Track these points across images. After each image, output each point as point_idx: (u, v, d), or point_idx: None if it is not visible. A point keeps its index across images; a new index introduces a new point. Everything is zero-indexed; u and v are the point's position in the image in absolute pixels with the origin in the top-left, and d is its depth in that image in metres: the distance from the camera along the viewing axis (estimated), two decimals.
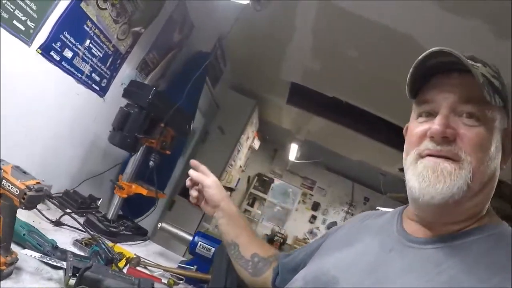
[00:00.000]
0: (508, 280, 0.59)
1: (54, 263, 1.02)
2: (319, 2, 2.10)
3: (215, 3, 1.97)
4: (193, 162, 1.24)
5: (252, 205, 8.47)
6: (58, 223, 1.44)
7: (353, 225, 0.97)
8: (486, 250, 0.66)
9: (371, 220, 0.94)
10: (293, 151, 6.23)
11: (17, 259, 0.92)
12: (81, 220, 1.57)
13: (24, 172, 0.91)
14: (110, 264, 1.23)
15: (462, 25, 1.80)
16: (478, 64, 0.72)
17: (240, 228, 1.17)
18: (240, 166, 6.36)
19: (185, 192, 4.46)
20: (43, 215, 1.42)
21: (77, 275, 0.93)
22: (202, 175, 1.21)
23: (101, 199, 1.82)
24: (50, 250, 1.09)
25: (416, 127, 0.76)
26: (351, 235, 0.90)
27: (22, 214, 1.34)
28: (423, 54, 0.70)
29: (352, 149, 5.38)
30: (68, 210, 1.61)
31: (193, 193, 1.20)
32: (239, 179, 7.24)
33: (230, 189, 6.88)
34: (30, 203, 0.87)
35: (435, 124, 0.69)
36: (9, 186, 0.86)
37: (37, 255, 1.01)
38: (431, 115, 0.74)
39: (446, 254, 0.68)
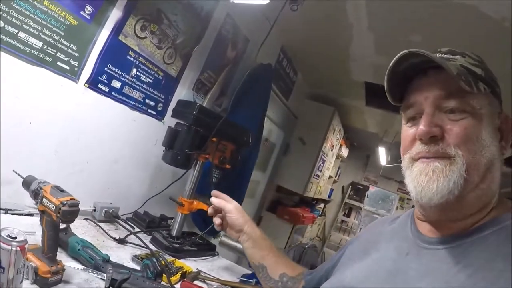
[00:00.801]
0: None
1: (96, 275, 1.10)
2: None
3: (256, 14, 1.96)
4: (214, 192, 1.33)
5: (348, 215, 8.22)
6: (121, 241, 1.53)
7: (369, 234, 0.99)
8: (501, 242, 0.65)
9: (385, 226, 0.94)
10: (382, 155, 5.93)
11: (63, 269, 1.00)
12: (148, 239, 1.66)
13: (62, 191, 1.00)
14: (160, 277, 1.27)
15: None
16: (456, 57, 0.74)
17: (266, 250, 1.20)
18: (331, 176, 6.22)
19: (272, 207, 4.52)
20: (107, 234, 1.53)
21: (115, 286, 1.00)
22: (223, 201, 1.29)
23: (174, 218, 1.89)
24: (101, 264, 1.17)
25: (406, 132, 0.77)
26: (367, 244, 0.91)
27: (90, 234, 1.47)
28: (393, 61, 0.71)
29: None
30: (136, 230, 1.72)
31: (217, 220, 1.28)
32: (332, 189, 7.08)
33: (324, 201, 6.77)
34: (65, 217, 0.95)
35: (421, 126, 0.70)
36: (48, 203, 0.96)
37: (80, 266, 1.09)
38: (418, 117, 0.74)
39: (461, 253, 0.67)
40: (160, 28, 1.73)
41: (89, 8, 1.42)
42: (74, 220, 0.99)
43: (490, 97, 0.73)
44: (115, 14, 1.53)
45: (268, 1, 1.77)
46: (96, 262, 1.17)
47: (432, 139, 0.70)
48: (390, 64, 0.72)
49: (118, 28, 1.54)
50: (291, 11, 2.10)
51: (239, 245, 1.85)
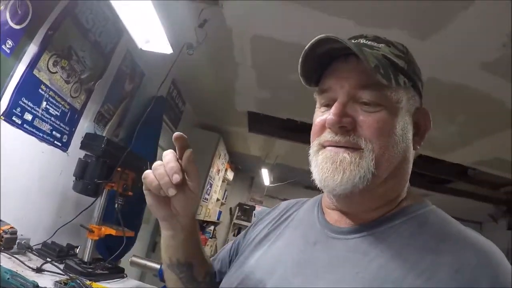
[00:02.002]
0: (438, 260, 0.59)
1: None
2: (250, 38, 2.37)
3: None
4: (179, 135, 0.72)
5: (238, 235, 8.53)
6: (39, 270, 1.57)
7: (271, 219, 0.90)
8: (412, 233, 0.65)
9: (290, 212, 0.89)
10: (265, 176, 6.42)
11: None
12: (61, 266, 1.71)
13: (0, 220, 1.08)
14: None
15: (382, 35, 2.06)
16: (380, 45, 0.71)
17: (198, 246, 0.89)
18: (218, 199, 6.50)
19: None
20: (25, 264, 1.56)
21: None
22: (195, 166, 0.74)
23: (79, 247, 1.94)
24: None
25: (317, 117, 0.73)
26: (270, 231, 0.86)
27: (7, 266, 1.49)
28: (310, 43, 0.66)
29: None
30: (48, 259, 1.75)
31: (179, 175, 0.68)
32: (220, 212, 7.35)
33: (213, 223, 7.00)
34: (7, 244, 1.04)
35: (331, 114, 0.66)
36: None
37: None
38: (331, 104, 0.69)
39: (372, 242, 0.66)
40: (70, 63, 1.84)
41: (10, 43, 1.49)
42: (13, 247, 1.08)
43: (410, 91, 0.71)
44: (32, 49, 1.61)
45: (172, 51, 2.02)
46: None
47: (342, 129, 0.66)
48: (306, 48, 0.67)
49: (33, 63, 1.62)
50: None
51: (149, 263, 2.01)
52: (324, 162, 0.67)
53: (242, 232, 0.99)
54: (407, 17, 1.87)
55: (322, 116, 0.71)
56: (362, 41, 0.73)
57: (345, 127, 0.66)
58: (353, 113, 0.66)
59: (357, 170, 0.64)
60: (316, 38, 0.65)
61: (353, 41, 0.73)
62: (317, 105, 0.75)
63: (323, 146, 0.69)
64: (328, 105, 0.70)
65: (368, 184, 0.64)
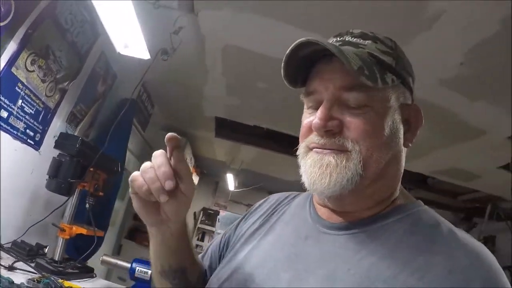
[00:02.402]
0: (431, 260, 0.59)
1: None
2: (222, 46, 2.46)
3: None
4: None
5: (202, 239, 8.54)
6: (11, 268, 1.58)
7: (262, 212, 0.89)
8: (405, 231, 0.65)
9: (281, 206, 0.87)
10: (230, 181, 6.49)
11: None
12: (32, 265, 1.72)
13: None
14: None
15: None
16: (366, 42, 0.69)
17: (190, 248, 0.83)
18: None
19: (131, 235, 4.58)
20: None
21: None
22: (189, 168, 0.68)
23: (48, 246, 1.94)
24: (8, 285, 1.26)
25: (305, 119, 0.72)
26: (261, 224, 0.84)
27: None
28: (290, 48, 0.65)
29: (284, 171, 5.69)
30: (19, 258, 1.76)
31: (171, 183, 0.62)
32: None
33: None
34: None
35: (316, 118, 0.65)
36: None
37: None
38: (318, 106, 0.67)
39: (364, 240, 0.66)
40: (47, 63, 1.85)
41: None
42: None
43: (399, 88, 0.69)
44: (11, 47, 1.62)
45: (149, 57, 2.08)
46: (3, 285, 1.26)
47: (328, 132, 0.65)
48: (287, 51, 0.66)
49: (12, 60, 1.64)
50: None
51: (120, 262, 2.05)
52: (312, 167, 0.66)
53: (233, 225, 0.94)
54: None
55: (309, 118, 0.70)
56: (347, 38, 0.71)
57: (332, 130, 0.65)
58: (339, 115, 0.65)
59: (344, 173, 0.63)
60: (297, 41, 0.64)
61: (338, 38, 0.72)
62: (305, 107, 0.74)
63: (309, 149, 0.69)
64: (315, 107, 0.69)
65: (357, 185, 0.64)
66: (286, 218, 0.82)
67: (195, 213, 8.47)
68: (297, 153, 0.72)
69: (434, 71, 2.21)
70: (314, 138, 0.68)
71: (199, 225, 8.35)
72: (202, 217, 8.41)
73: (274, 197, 0.94)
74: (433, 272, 0.57)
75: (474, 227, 5.74)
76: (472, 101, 2.42)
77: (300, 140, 0.72)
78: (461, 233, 0.64)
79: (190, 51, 2.60)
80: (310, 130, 0.69)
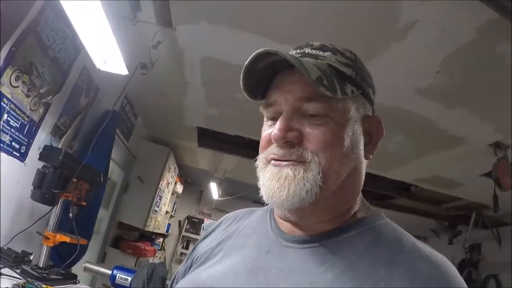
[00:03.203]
0: (392, 272, 0.59)
1: None
2: (200, 59, 2.57)
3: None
4: None
5: (187, 247, 8.59)
6: None
7: (222, 229, 0.89)
8: (366, 244, 0.65)
9: (241, 221, 0.87)
10: (214, 190, 6.56)
11: None
12: (18, 271, 1.80)
13: None
14: None
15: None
16: (326, 54, 0.69)
17: None
18: (168, 212, 6.56)
19: (115, 243, 4.63)
20: None
21: None
22: None
23: (33, 253, 2.02)
24: None
25: (264, 131, 0.72)
26: (222, 241, 0.83)
27: None
28: (250, 57, 0.66)
29: None
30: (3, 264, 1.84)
31: None
32: (169, 224, 7.39)
33: (162, 235, 7.02)
34: None
35: (275, 129, 0.65)
36: None
37: None
38: (278, 117, 0.67)
39: (327, 253, 0.65)
40: (30, 78, 1.94)
41: None
42: None
43: (359, 99, 0.70)
44: None
45: (127, 73, 2.19)
46: None
47: (288, 144, 0.65)
48: (246, 63, 0.66)
49: None
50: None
51: (102, 269, 2.15)
52: (270, 180, 0.66)
53: (191, 249, 0.94)
54: (344, 45, 2.09)
55: (268, 130, 0.70)
56: (307, 50, 0.71)
57: (291, 141, 0.65)
58: (299, 126, 0.65)
59: (302, 184, 0.63)
60: (256, 52, 0.64)
61: (298, 50, 0.73)
62: (265, 119, 0.74)
63: (268, 161, 0.69)
64: (275, 118, 0.69)
65: (317, 197, 0.63)
66: (247, 232, 0.81)
67: (180, 221, 8.54)
68: (256, 165, 0.72)
69: (411, 80, 2.24)
70: (273, 149, 0.68)
71: (183, 234, 8.42)
72: (186, 225, 8.48)
73: (230, 216, 0.95)
74: (394, 283, 0.57)
75: (459, 235, 5.75)
76: (450, 110, 2.45)
77: (259, 152, 0.72)
78: (423, 246, 0.65)
79: (170, 64, 2.71)
80: (270, 142, 0.69)
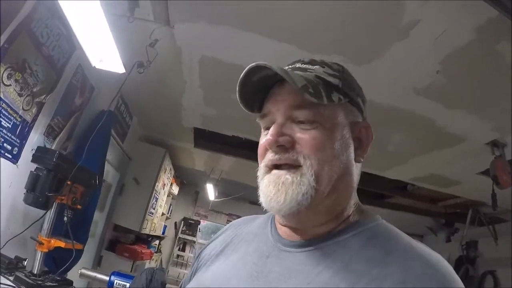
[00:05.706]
0: (385, 271, 0.61)
1: None
2: (199, 58, 2.51)
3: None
4: None
5: (183, 249, 8.52)
6: None
7: (225, 236, 0.94)
8: (360, 246, 0.67)
9: (244, 228, 0.92)
10: (210, 191, 6.49)
11: None
12: (11, 278, 1.73)
13: None
14: None
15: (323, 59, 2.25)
16: (314, 67, 0.75)
17: None
18: (163, 213, 6.48)
19: (111, 246, 4.55)
20: None
21: None
22: None
23: (27, 259, 1.94)
24: None
25: (261, 141, 0.76)
26: (225, 246, 0.88)
27: None
28: (242, 74, 0.71)
29: None
30: None
31: None
32: (165, 226, 7.31)
33: (158, 237, 6.94)
34: None
35: (268, 135, 0.71)
36: None
37: None
38: (271, 126, 0.73)
39: (322, 255, 0.69)
40: (23, 77, 1.87)
41: None
42: None
43: (347, 107, 0.75)
44: None
45: (124, 71, 2.12)
46: None
47: (281, 148, 0.70)
48: (240, 77, 0.72)
49: None
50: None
51: (98, 275, 2.07)
52: (267, 186, 0.71)
53: (196, 255, 1.01)
54: (346, 45, 2.05)
55: (264, 139, 0.74)
56: (298, 65, 0.77)
57: (284, 146, 0.70)
58: (291, 132, 0.71)
59: (299, 188, 0.67)
60: (248, 67, 0.70)
61: (290, 66, 0.79)
62: (262, 129, 0.79)
63: (268, 168, 0.73)
64: (269, 128, 0.73)
65: (312, 199, 0.67)
66: (249, 238, 0.85)
67: (176, 223, 8.45)
68: (257, 174, 0.76)
69: (411, 80, 2.24)
70: (269, 155, 0.72)
71: (180, 235, 8.34)
72: (183, 227, 8.39)
73: (235, 222, 0.99)
74: (387, 282, 0.59)
75: (456, 233, 5.83)
76: (449, 109, 2.46)
77: (259, 161, 0.76)
78: (417, 245, 0.66)
79: (167, 62, 2.63)
80: (266, 150, 0.74)
